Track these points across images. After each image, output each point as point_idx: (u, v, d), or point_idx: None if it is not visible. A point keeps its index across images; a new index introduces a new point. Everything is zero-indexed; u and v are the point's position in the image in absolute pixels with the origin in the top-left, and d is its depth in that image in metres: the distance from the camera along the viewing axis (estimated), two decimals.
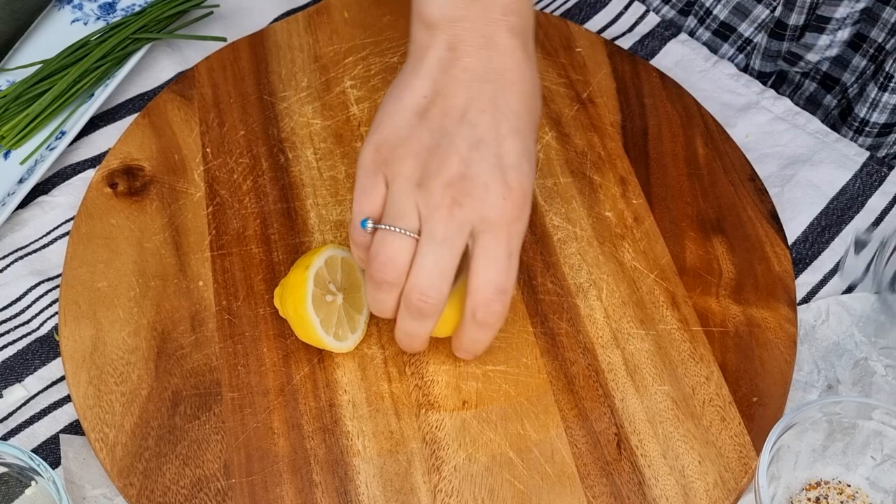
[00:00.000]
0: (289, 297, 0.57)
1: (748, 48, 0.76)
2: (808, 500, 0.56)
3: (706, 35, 0.78)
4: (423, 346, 0.55)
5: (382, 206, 0.52)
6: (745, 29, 0.75)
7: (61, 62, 0.72)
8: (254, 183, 0.67)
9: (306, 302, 0.56)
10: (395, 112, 0.51)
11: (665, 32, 0.78)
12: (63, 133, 0.69)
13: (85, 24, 0.77)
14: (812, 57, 0.72)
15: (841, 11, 0.68)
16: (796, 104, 0.73)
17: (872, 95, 0.71)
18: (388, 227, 0.50)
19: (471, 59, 0.50)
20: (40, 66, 0.72)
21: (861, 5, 0.68)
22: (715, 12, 0.76)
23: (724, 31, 0.77)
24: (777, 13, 0.71)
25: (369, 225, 0.52)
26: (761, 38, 0.74)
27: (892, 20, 0.70)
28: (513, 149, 0.50)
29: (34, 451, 0.58)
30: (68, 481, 0.56)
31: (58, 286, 0.63)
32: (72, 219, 0.67)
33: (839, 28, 0.69)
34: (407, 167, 0.50)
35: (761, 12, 0.74)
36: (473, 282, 0.51)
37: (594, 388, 0.58)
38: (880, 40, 0.71)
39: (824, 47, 0.71)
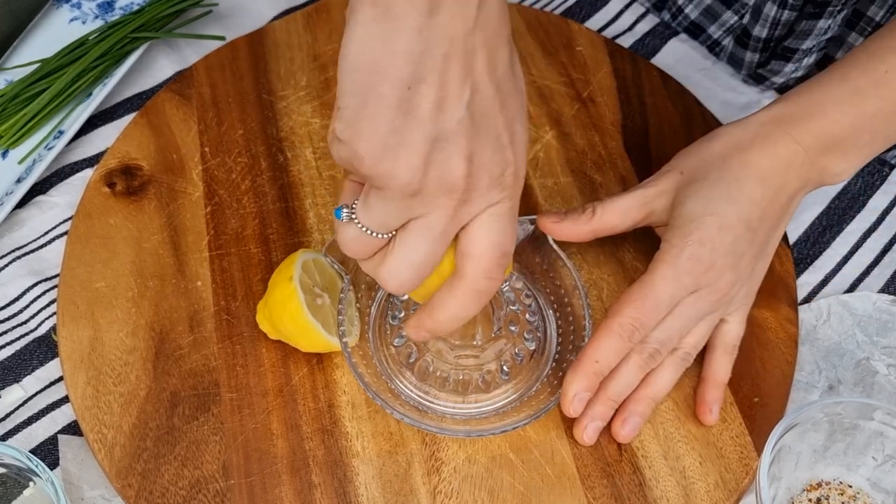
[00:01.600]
0: (283, 312, 0.56)
1: (717, 49, 0.76)
2: (810, 500, 0.56)
3: (678, 31, 0.78)
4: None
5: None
6: (714, 31, 0.75)
7: (59, 61, 0.72)
8: (252, 182, 0.67)
9: (304, 311, 0.55)
10: (375, 108, 0.41)
11: (665, 31, 0.77)
12: (61, 132, 0.69)
13: (83, 22, 0.77)
14: (778, 79, 0.73)
15: (807, 44, 0.69)
16: None
17: None
18: (364, 229, 0.45)
19: (454, 24, 0.40)
20: (38, 64, 0.72)
21: (827, 35, 0.68)
22: (686, 11, 0.76)
23: (694, 31, 0.77)
24: (745, 21, 0.71)
25: (343, 215, 0.46)
26: (729, 42, 0.74)
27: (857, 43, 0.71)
28: (511, 115, 0.44)
29: (32, 451, 0.58)
30: (67, 482, 0.56)
31: (56, 286, 0.63)
32: (70, 218, 0.66)
33: (804, 57, 0.70)
34: (400, 178, 0.42)
35: (730, 17, 0.75)
36: (477, 245, 0.45)
37: None
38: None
39: (790, 72, 0.72)
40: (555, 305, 0.60)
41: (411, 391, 0.57)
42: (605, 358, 0.54)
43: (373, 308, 0.60)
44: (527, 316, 0.59)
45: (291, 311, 0.56)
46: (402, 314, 0.59)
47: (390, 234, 0.45)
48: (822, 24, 0.67)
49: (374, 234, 0.45)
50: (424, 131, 0.41)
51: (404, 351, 0.58)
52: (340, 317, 0.56)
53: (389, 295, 0.60)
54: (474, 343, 0.57)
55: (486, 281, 0.46)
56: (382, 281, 0.47)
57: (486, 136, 0.43)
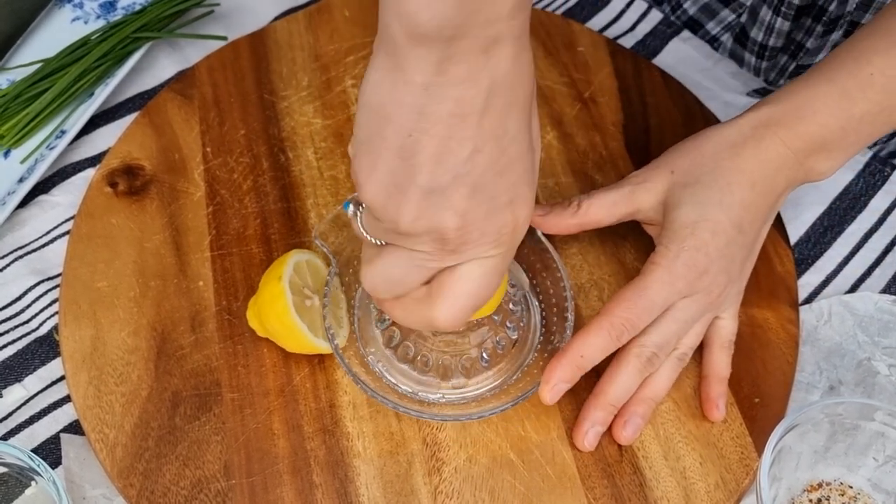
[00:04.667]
0: (270, 311, 0.56)
1: (715, 45, 0.76)
2: (810, 501, 0.56)
3: (677, 24, 0.78)
4: None
5: None
6: (713, 28, 0.76)
7: (61, 61, 0.72)
8: (254, 182, 0.67)
9: (290, 311, 0.55)
10: (377, 148, 0.43)
11: (667, 30, 0.77)
12: (63, 132, 0.69)
13: (85, 22, 0.77)
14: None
15: (820, 57, 0.70)
16: None
17: None
18: (362, 230, 0.47)
19: (463, 87, 0.40)
20: (40, 64, 0.72)
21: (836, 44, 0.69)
22: (685, 6, 0.76)
23: (693, 26, 0.77)
24: (742, 20, 0.71)
25: (350, 210, 0.48)
26: (727, 40, 0.75)
27: None
28: (514, 179, 0.44)
29: (34, 451, 0.58)
30: (69, 481, 0.56)
31: (58, 286, 0.63)
32: (72, 218, 0.66)
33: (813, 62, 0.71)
34: (390, 219, 0.44)
35: (728, 15, 0.75)
36: (454, 288, 0.47)
37: None
38: None
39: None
40: (540, 297, 0.60)
41: (403, 386, 0.57)
42: (591, 354, 0.54)
43: (357, 292, 0.60)
44: (510, 305, 0.59)
45: (278, 310, 0.56)
46: None
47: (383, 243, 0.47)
48: (835, 36, 0.67)
49: (370, 238, 0.47)
50: (419, 181, 0.42)
51: (387, 333, 0.58)
52: (325, 298, 0.56)
53: None
54: (457, 329, 0.57)
55: (444, 324, 0.47)
56: (361, 277, 0.48)
57: (482, 198, 0.43)
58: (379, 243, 0.47)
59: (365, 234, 0.47)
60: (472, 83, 0.40)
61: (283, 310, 0.56)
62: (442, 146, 0.41)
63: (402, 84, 0.41)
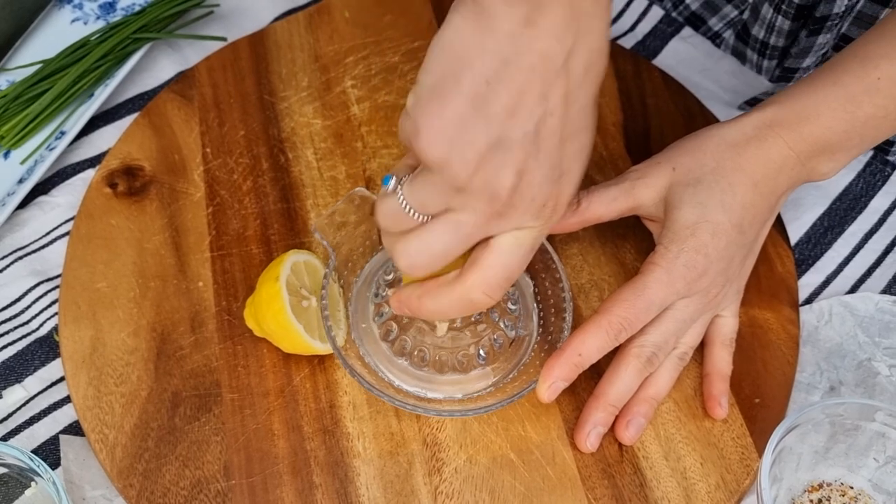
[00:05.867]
0: (266, 311, 0.56)
1: (717, 41, 0.76)
2: (811, 501, 0.56)
3: (679, 20, 0.78)
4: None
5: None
6: (715, 24, 0.76)
7: (61, 62, 0.72)
8: (254, 183, 0.67)
9: (286, 312, 0.55)
10: (449, 93, 0.41)
11: (668, 30, 0.77)
12: (63, 133, 0.69)
13: (85, 23, 0.77)
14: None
15: (807, 62, 0.70)
16: None
17: None
18: (404, 204, 0.46)
19: (549, 41, 0.40)
20: (40, 65, 0.72)
21: (825, 52, 0.69)
22: (687, 2, 0.76)
23: (695, 22, 0.77)
24: (745, 16, 0.72)
25: (391, 183, 0.47)
26: (729, 36, 0.75)
27: None
28: (572, 151, 0.44)
29: (34, 451, 0.58)
30: (68, 482, 0.56)
31: (57, 286, 0.63)
32: (71, 219, 0.66)
33: (804, 74, 0.71)
34: (451, 168, 0.43)
35: (730, 11, 0.75)
36: (489, 260, 0.47)
37: None
38: None
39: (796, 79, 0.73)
40: (539, 297, 0.60)
41: (401, 383, 0.57)
42: (588, 352, 0.54)
43: (355, 287, 0.60)
44: (509, 304, 0.59)
45: (275, 310, 0.56)
46: (386, 293, 0.59)
47: (425, 219, 0.46)
48: (822, 39, 0.67)
49: (412, 213, 0.46)
50: (488, 131, 0.41)
51: (384, 327, 0.58)
52: (324, 290, 0.56)
53: (374, 275, 0.61)
54: (454, 325, 0.57)
55: (481, 295, 0.47)
56: (395, 256, 0.47)
57: (542, 161, 0.43)
58: (420, 219, 0.46)
59: (406, 208, 0.46)
60: (558, 39, 0.40)
61: (280, 310, 0.55)
62: (517, 99, 0.41)
63: (487, 31, 0.40)
